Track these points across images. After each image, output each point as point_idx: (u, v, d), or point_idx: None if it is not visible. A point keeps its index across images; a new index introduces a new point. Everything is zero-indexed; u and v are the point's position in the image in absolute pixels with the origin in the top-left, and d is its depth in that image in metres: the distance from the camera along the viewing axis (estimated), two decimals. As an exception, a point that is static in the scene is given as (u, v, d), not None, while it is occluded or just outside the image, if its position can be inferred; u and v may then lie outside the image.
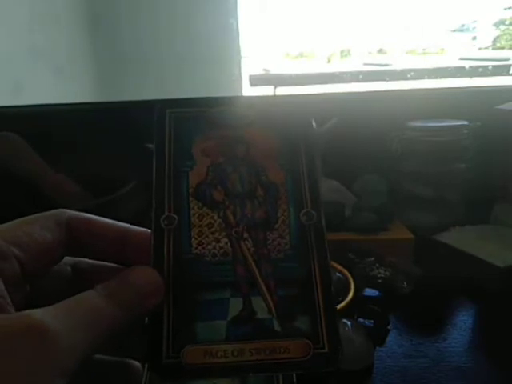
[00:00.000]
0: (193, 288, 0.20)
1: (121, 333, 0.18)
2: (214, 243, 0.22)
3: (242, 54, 1.65)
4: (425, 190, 0.59)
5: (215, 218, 0.22)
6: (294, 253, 0.22)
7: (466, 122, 0.59)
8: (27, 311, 0.16)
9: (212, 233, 0.22)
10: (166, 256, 0.21)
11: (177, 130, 0.25)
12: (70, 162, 0.61)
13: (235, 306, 0.20)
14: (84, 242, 0.21)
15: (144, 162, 0.67)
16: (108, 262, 0.22)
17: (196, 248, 0.21)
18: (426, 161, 0.59)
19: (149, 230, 0.22)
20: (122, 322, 0.18)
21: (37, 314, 0.16)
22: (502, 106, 0.60)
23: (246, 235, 0.22)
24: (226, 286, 0.21)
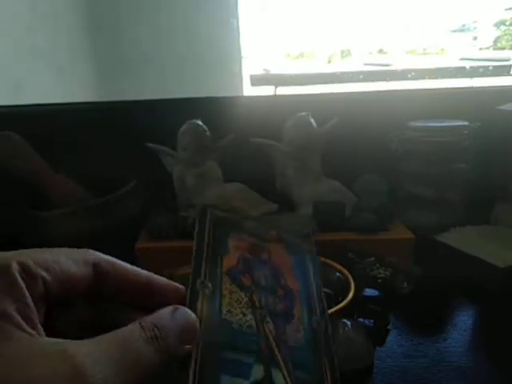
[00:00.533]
0: (220, 347, 0.22)
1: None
2: (241, 315, 0.24)
3: (243, 53, 1.65)
4: (425, 190, 0.59)
5: (243, 296, 0.26)
6: (307, 346, 0.25)
7: (466, 123, 0.59)
8: (67, 345, 0.16)
9: (240, 307, 0.25)
10: (198, 315, 0.23)
11: (215, 225, 0.30)
12: (71, 161, 0.61)
13: (257, 371, 0.22)
14: (109, 283, 0.22)
15: (144, 162, 0.67)
16: (130, 306, 0.23)
17: (225, 314, 0.24)
18: (427, 161, 0.59)
19: (172, 282, 0.24)
20: (158, 366, 0.18)
21: (79, 354, 0.16)
22: (502, 107, 0.60)
23: (268, 319, 0.25)
24: (250, 352, 0.23)
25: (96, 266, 0.21)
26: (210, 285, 0.25)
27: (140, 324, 0.18)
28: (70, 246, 0.22)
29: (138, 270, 0.23)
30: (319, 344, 0.25)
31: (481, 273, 0.48)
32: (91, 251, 0.22)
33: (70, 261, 0.21)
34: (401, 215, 0.59)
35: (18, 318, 0.17)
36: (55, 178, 0.58)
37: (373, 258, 0.50)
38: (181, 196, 0.61)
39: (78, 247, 0.27)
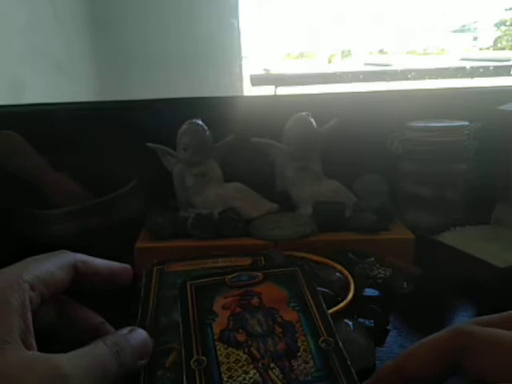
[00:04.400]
0: None
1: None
2: (243, 375, 0.24)
3: (243, 53, 1.65)
4: (425, 190, 0.59)
5: (241, 354, 0.25)
6: (320, 374, 0.24)
7: (466, 123, 0.59)
8: (52, 357, 0.20)
9: (240, 367, 0.24)
10: None
11: (198, 296, 0.30)
12: (70, 161, 0.61)
13: None
14: (85, 279, 0.26)
15: (144, 162, 0.67)
16: (99, 289, 0.27)
17: (227, 381, 0.24)
18: (427, 161, 0.59)
19: (124, 265, 0.28)
20: (120, 377, 0.22)
21: (62, 362, 0.20)
22: (503, 107, 0.60)
23: (272, 365, 0.25)
24: None
25: (75, 267, 0.25)
26: (204, 358, 0.25)
27: (104, 342, 0.22)
28: (69, 246, 0.23)
29: (106, 262, 0.27)
30: (334, 365, 0.25)
31: (481, 273, 0.48)
32: (70, 254, 0.25)
33: (60, 269, 0.24)
34: (401, 215, 0.59)
35: (18, 338, 0.20)
36: (55, 178, 0.58)
37: (373, 258, 0.50)
38: (181, 196, 0.61)
39: (78, 247, 0.28)
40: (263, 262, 0.31)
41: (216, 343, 0.26)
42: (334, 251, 0.50)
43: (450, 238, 0.55)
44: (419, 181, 0.60)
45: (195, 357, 0.25)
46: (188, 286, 0.30)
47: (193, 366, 0.24)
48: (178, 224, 0.54)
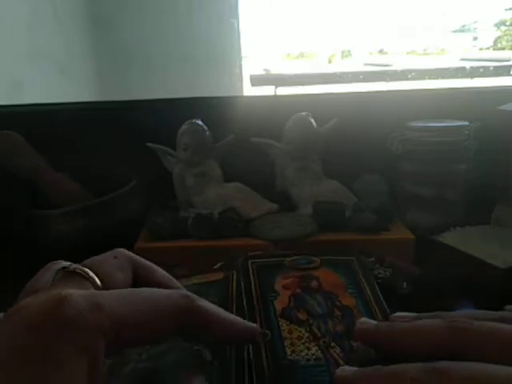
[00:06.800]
0: None
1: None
2: (306, 351, 0.25)
3: (243, 53, 1.65)
4: (425, 190, 0.59)
5: (303, 332, 0.26)
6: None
7: (466, 123, 0.59)
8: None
9: (303, 343, 0.26)
10: (265, 362, 0.24)
11: (260, 274, 0.31)
12: (71, 161, 0.61)
13: None
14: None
15: (144, 162, 0.67)
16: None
17: (290, 355, 0.25)
18: (427, 161, 0.59)
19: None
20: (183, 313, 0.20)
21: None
22: (503, 107, 0.60)
23: (333, 344, 0.26)
24: (323, 382, 0.23)
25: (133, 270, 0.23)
26: (268, 332, 0.25)
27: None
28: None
29: (165, 274, 0.24)
30: None
31: (481, 273, 0.48)
32: (129, 255, 0.24)
33: (122, 274, 0.22)
34: (401, 215, 0.59)
35: None
36: (55, 178, 0.58)
37: (373, 258, 0.50)
38: (181, 196, 0.61)
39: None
40: (235, 276, 0.31)
41: (278, 319, 0.27)
42: (334, 251, 0.50)
43: (449, 238, 0.55)
44: (419, 181, 0.60)
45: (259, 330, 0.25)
46: (249, 264, 0.32)
47: (258, 339, 0.24)
48: (178, 224, 0.54)
